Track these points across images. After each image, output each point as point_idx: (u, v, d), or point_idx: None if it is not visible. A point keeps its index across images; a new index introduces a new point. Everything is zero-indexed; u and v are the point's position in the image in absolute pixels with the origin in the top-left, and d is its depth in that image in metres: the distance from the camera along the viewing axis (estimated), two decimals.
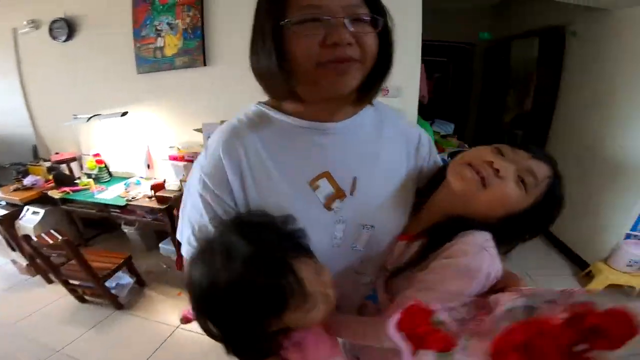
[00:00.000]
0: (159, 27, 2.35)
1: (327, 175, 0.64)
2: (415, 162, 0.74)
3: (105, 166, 2.77)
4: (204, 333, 0.54)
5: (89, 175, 2.71)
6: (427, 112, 2.74)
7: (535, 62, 3.36)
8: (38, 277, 2.42)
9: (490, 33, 3.37)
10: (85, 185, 2.54)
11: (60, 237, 1.95)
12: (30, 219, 2.57)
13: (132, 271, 2.27)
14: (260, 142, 0.63)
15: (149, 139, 2.63)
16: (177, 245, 2.23)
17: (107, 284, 2.08)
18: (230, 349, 0.55)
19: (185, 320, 1.62)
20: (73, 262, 1.95)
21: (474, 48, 3.91)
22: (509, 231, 0.63)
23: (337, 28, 0.52)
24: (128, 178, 2.67)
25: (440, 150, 2.65)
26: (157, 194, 2.17)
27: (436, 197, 0.69)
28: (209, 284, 0.50)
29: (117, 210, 2.35)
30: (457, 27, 3.67)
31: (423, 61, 2.23)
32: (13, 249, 2.79)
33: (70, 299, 2.19)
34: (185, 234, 0.67)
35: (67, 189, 2.52)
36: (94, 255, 2.14)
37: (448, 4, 3.31)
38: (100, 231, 3.04)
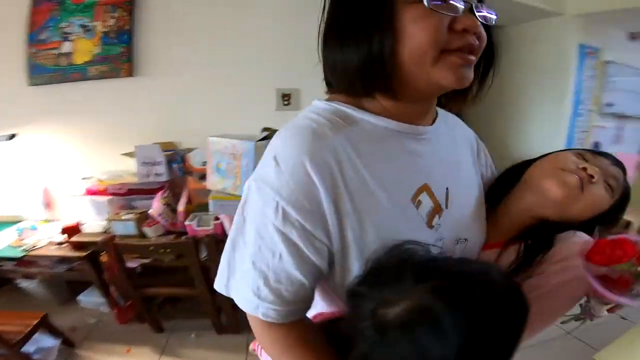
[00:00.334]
0: (66, 30, 1.88)
1: (426, 188, 0.53)
2: (478, 167, 0.70)
3: None
4: None
5: None
6: None
7: None
8: None
9: None
10: None
11: None
12: None
13: (53, 331, 1.71)
14: (352, 148, 0.47)
15: (48, 169, 2.03)
16: (108, 295, 1.74)
17: (24, 349, 1.55)
18: None
19: None
20: None
21: None
22: (588, 228, 0.65)
23: (466, 13, 0.45)
24: (16, 222, 1.99)
25: None
26: (72, 239, 1.63)
27: (517, 202, 0.66)
28: None
29: (11, 263, 1.72)
30: None
31: None
32: None
33: None
34: (249, 284, 0.49)
35: None
36: None
37: None
38: None
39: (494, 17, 0.48)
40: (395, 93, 0.48)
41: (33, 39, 1.90)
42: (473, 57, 0.47)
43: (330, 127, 0.47)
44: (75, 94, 1.95)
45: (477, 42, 0.46)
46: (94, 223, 1.71)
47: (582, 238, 0.60)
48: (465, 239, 0.59)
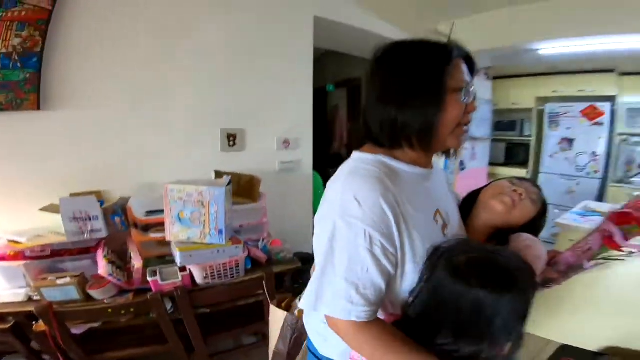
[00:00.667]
0: None
1: (438, 211, 0.80)
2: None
3: None
4: None
5: None
6: None
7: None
8: None
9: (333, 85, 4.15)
10: None
11: None
12: None
13: None
14: (400, 191, 0.71)
15: None
16: None
17: None
18: None
19: None
20: None
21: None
22: (529, 230, 0.94)
23: (474, 101, 0.73)
24: None
25: None
26: None
27: (477, 218, 0.95)
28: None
29: None
30: None
31: None
32: None
33: None
34: (342, 296, 0.66)
35: None
36: None
37: None
38: None
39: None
40: (425, 148, 0.74)
41: None
42: (468, 128, 0.76)
43: (385, 175, 0.71)
44: None
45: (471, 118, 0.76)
46: (5, 293, 1.42)
47: (526, 236, 0.87)
48: None
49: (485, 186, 1.00)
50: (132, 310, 1.40)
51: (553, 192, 4.05)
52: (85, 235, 1.50)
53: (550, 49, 3.35)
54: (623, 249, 0.88)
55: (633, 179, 3.88)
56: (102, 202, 1.64)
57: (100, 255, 1.48)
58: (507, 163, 4.72)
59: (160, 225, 1.63)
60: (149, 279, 1.45)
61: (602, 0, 2.58)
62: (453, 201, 0.94)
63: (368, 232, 0.66)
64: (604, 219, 0.92)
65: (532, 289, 0.67)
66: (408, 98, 0.71)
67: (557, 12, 2.80)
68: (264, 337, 1.80)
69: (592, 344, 2.10)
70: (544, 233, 1.02)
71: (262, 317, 1.73)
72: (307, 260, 1.84)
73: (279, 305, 1.53)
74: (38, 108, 1.61)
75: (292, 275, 1.92)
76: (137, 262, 1.45)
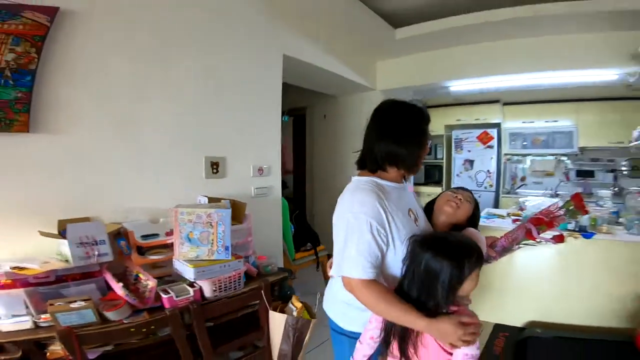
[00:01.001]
0: None
1: (411, 210, 1.24)
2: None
3: None
4: None
5: None
6: None
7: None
8: None
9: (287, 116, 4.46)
10: None
11: None
12: None
13: None
14: (387, 199, 1.15)
15: None
16: None
17: None
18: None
19: None
20: None
21: None
22: (471, 224, 1.43)
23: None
24: None
25: None
26: None
27: (437, 220, 1.40)
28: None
29: None
30: None
31: None
32: None
33: None
34: (356, 261, 1.06)
35: None
36: None
37: None
38: None
39: None
40: (408, 170, 1.23)
41: None
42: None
43: (377, 188, 1.15)
44: None
45: None
46: (7, 321, 1.33)
47: (471, 230, 1.34)
48: None
49: (438, 197, 1.48)
50: (152, 327, 1.46)
51: None
52: (92, 260, 1.50)
53: (457, 85, 4.25)
54: (536, 239, 1.42)
55: (518, 190, 5.02)
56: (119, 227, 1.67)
57: (110, 278, 1.50)
58: (426, 182, 5.63)
59: (157, 248, 1.76)
60: (163, 296, 1.52)
61: (493, 50, 3.52)
62: (418, 204, 1.38)
63: (369, 221, 1.07)
64: (527, 221, 1.45)
65: (474, 259, 1.03)
66: (404, 138, 1.16)
67: (462, 59, 3.69)
68: (256, 347, 1.93)
69: (516, 321, 2.81)
70: None
71: (258, 326, 1.90)
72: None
73: (274, 311, 1.76)
74: (27, 130, 1.53)
75: (278, 284, 2.12)
76: (151, 282, 1.51)
